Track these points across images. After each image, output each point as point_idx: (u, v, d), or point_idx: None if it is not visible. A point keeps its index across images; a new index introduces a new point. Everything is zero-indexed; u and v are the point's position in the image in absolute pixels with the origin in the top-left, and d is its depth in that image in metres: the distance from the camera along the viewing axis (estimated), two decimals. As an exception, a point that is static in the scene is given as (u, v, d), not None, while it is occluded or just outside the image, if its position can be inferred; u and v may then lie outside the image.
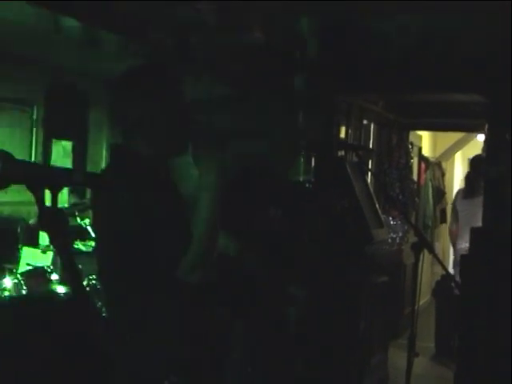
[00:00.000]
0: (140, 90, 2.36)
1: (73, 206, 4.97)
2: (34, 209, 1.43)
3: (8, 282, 4.22)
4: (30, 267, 4.45)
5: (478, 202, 6.17)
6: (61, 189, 1.41)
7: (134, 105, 2.34)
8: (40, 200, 1.40)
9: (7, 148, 1.54)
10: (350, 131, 7.16)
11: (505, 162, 5.41)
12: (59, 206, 1.47)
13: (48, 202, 1.42)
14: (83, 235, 4.89)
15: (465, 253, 6.06)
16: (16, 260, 4.48)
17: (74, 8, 4.23)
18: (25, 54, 4.35)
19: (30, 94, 4.67)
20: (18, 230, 4.63)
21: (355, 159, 6.83)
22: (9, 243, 4.54)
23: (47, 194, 1.45)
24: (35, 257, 4.57)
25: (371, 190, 6.40)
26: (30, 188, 1.39)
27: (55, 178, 1.36)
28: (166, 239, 2.27)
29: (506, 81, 5.28)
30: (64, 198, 5.28)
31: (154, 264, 2.25)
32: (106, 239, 2.36)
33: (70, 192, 5.35)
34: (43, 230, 4.38)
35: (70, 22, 4.21)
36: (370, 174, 7.11)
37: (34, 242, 4.77)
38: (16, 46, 4.19)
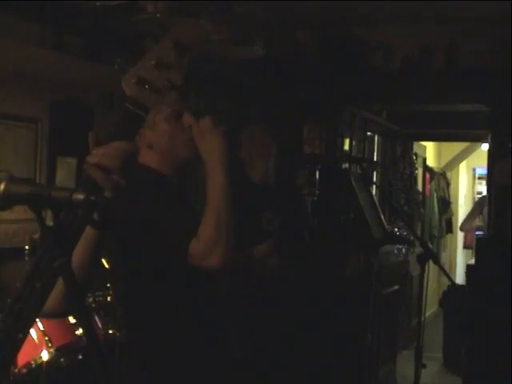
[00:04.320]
0: None
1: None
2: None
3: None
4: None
5: None
6: (62, 209, 1.42)
7: None
8: (41, 220, 1.42)
9: (11, 165, 1.55)
10: (353, 143, 7.15)
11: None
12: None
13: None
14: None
15: None
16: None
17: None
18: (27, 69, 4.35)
19: (33, 110, 4.66)
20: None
21: (359, 171, 6.82)
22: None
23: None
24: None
25: (376, 201, 6.39)
26: (32, 208, 1.41)
27: (56, 199, 1.38)
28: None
29: (508, 90, 5.29)
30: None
31: None
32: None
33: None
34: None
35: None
36: (374, 186, 7.10)
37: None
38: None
